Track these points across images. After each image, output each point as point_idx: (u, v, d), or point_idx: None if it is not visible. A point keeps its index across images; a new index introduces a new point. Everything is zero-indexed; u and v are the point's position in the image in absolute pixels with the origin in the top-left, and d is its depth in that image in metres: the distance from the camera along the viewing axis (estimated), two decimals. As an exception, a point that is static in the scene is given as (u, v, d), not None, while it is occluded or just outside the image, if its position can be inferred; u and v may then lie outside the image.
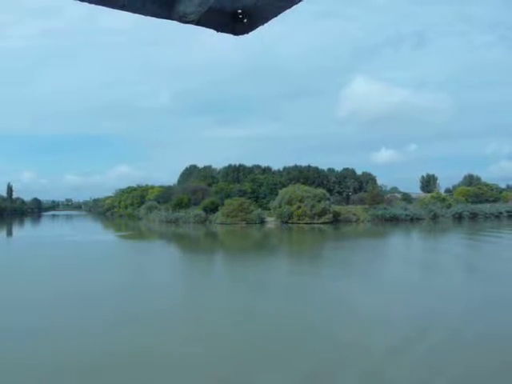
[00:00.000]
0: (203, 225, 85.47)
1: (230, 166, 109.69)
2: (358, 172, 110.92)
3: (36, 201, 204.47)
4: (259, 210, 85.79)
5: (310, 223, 79.67)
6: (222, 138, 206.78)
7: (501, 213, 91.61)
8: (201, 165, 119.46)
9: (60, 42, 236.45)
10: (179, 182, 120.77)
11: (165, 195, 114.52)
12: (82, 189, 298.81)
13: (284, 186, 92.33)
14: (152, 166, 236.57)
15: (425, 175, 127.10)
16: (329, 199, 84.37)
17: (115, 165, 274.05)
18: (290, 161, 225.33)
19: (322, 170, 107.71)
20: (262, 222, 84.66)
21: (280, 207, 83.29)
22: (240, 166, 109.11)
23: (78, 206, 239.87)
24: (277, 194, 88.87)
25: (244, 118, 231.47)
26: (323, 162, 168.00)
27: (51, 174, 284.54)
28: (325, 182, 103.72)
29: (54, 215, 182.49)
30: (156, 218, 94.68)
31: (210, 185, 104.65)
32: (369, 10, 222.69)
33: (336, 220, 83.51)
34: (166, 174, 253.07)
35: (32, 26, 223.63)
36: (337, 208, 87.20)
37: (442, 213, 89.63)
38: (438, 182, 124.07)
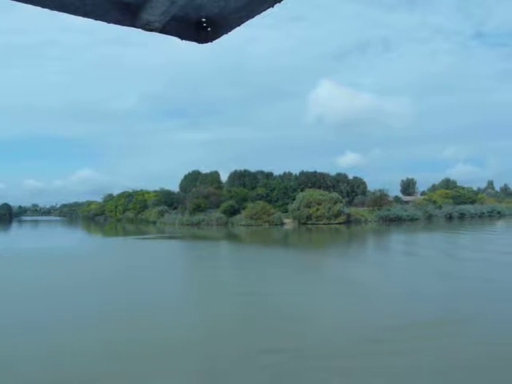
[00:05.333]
0: (225, 227, 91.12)
1: (235, 171, 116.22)
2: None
3: (6, 206, 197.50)
4: (279, 213, 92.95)
5: (327, 224, 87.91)
6: (190, 142, 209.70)
7: (483, 213, 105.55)
8: (197, 170, 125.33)
9: (22, 40, 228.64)
10: (181, 186, 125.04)
11: (167, 199, 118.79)
12: (42, 193, 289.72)
13: (294, 189, 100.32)
14: (115, 171, 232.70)
15: (404, 179, 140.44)
16: (341, 202, 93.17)
17: (77, 169, 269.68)
18: (260, 164, 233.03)
19: (320, 174, 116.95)
20: (282, 223, 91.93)
21: (298, 210, 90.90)
22: (245, 171, 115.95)
23: (46, 212, 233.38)
24: (288, 198, 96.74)
25: (212, 122, 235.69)
26: (291, 166, 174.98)
27: (9, 177, 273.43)
28: (323, 186, 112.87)
29: (20, 221, 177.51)
30: (176, 221, 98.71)
31: (216, 189, 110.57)
32: (336, 16, 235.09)
33: (348, 221, 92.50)
34: (132, 179, 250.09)
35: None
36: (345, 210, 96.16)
37: (436, 213, 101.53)
38: (416, 185, 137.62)
